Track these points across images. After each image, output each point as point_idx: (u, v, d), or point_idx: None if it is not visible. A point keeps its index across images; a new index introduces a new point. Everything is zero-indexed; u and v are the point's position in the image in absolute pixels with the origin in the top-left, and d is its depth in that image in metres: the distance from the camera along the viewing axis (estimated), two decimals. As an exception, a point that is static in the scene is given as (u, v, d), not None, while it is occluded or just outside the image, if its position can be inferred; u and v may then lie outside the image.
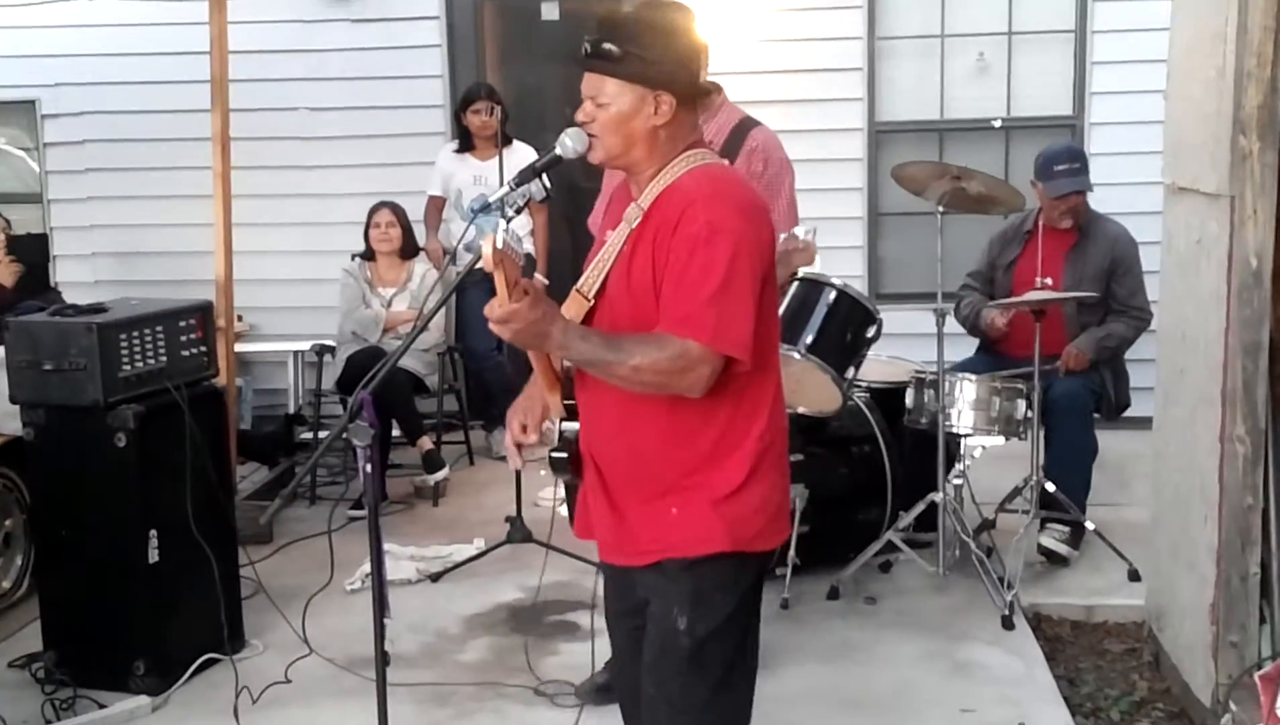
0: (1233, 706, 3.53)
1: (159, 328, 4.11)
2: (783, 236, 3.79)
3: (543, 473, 2.74)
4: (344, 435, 2.50)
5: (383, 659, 2.65)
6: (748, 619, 2.60)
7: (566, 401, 2.61)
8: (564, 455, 2.63)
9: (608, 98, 2.46)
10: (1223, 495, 3.58)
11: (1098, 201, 5.32)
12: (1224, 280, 3.51)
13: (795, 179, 4.05)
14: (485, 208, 2.71)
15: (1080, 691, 4.19)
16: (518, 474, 5.20)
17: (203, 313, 4.31)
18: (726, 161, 2.72)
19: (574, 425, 2.62)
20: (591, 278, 2.55)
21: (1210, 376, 3.63)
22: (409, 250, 6.43)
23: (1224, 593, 3.60)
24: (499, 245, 2.19)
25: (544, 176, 2.51)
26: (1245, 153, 3.39)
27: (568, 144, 2.51)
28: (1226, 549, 3.58)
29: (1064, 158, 5.21)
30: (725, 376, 2.42)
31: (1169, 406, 4.11)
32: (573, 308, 2.54)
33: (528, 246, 3.07)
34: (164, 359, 4.11)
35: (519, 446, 2.69)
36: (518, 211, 2.53)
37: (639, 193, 2.52)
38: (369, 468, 2.54)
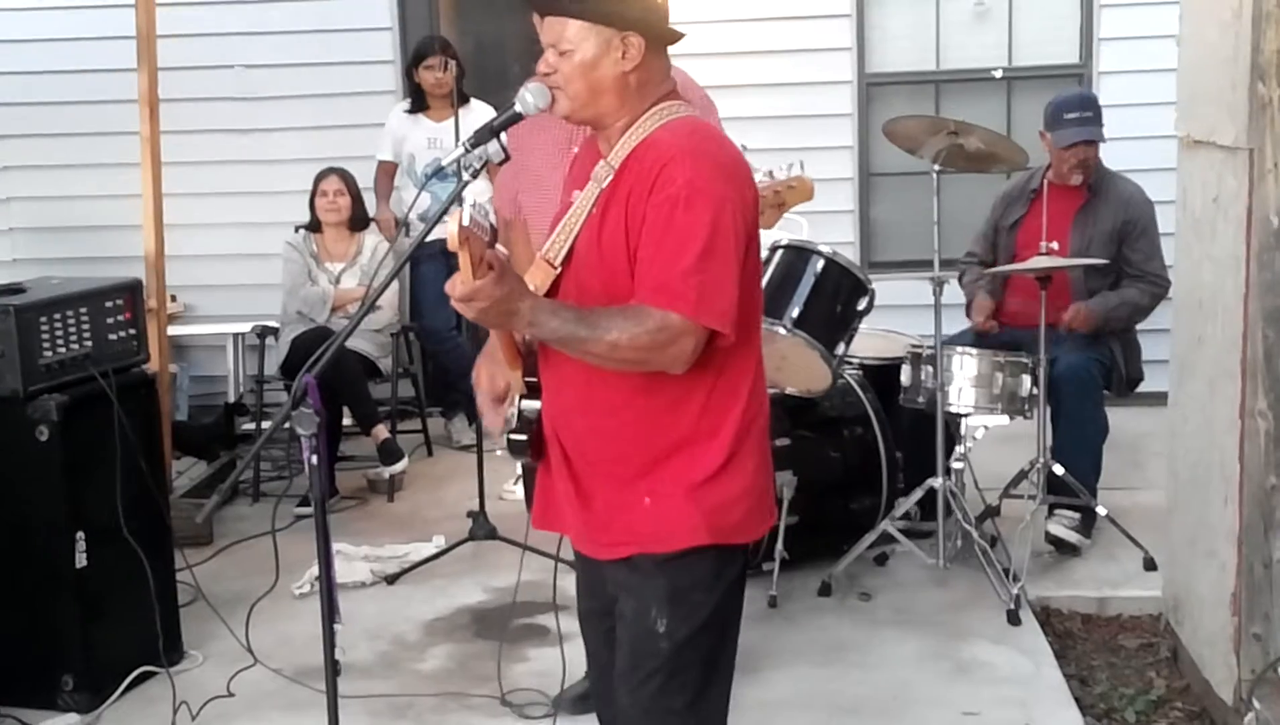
0: (1256, 704, 3.56)
1: (83, 309, 4.08)
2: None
3: (499, 453, 2.73)
4: (287, 424, 2.49)
5: (333, 669, 2.64)
6: (729, 618, 2.61)
7: (529, 378, 2.61)
8: (524, 437, 2.62)
9: (570, 43, 2.45)
10: (1243, 475, 3.60)
11: (1107, 157, 5.33)
12: (1243, 241, 3.52)
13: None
14: (439, 172, 2.70)
15: (1093, 691, 4.22)
16: (480, 465, 5.20)
17: (131, 292, 4.29)
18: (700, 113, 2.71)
19: (534, 404, 2.61)
20: (558, 243, 2.54)
21: (1229, 347, 3.66)
22: (359, 221, 6.41)
23: (1246, 581, 3.64)
24: (465, 222, 2.17)
25: (503, 136, 2.50)
26: (1265, 101, 3.41)
27: (528, 99, 2.50)
28: (1248, 534, 3.61)
29: (1075, 105, 5.24)
30: (705, 351, 2.42)
31: (1185, 380, 4.13)
32: (538, 277, 2.54)
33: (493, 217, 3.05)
34: (89, 344, 4.09)
35: (496, 405, 2.65)
36: (474, 175, 2.51)
37: (609, 149, 2.51)
38: (315, 460, 2.52)
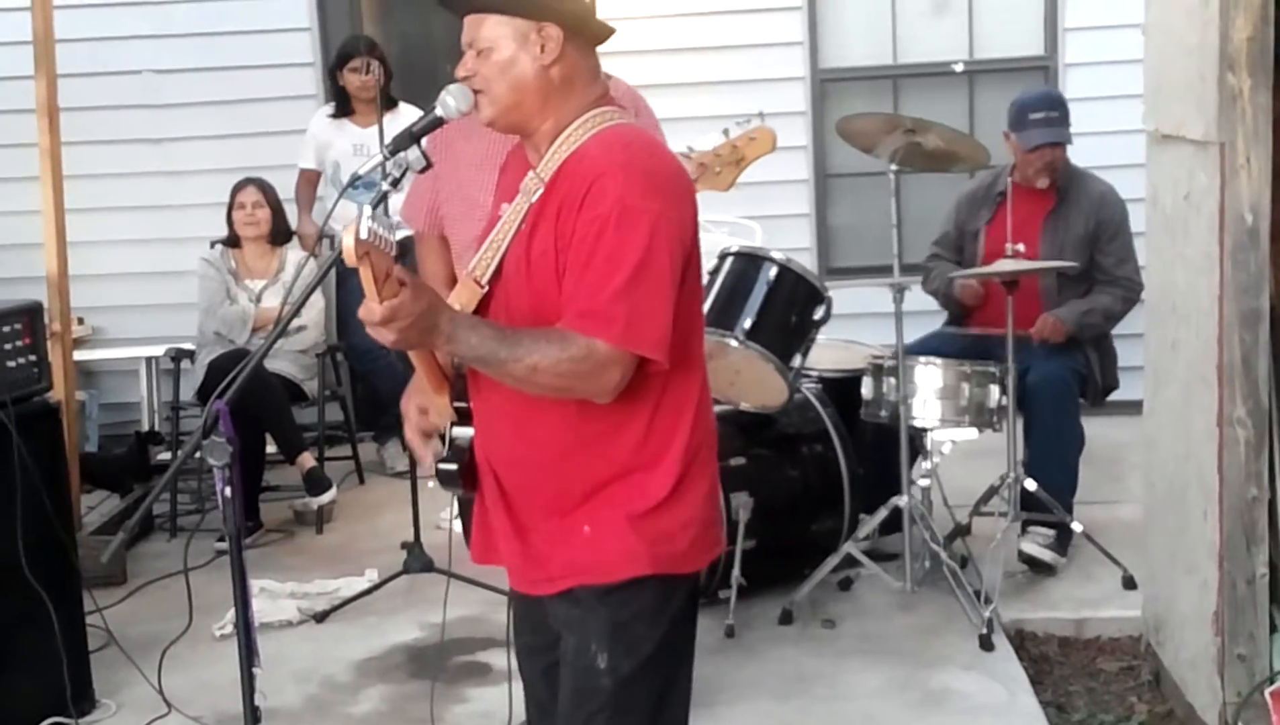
0: (1242, 727, 3.60)
1: (-23, 334, 4.04)
2: (697, 149, 3.77)
3: (430, 484, 2.72)
4: (198, 454, 2.47)
5: (253, 715, 2.62)
6: (678, 651, 2.60)
7: (457, 404, 2.60)
8: (454, 467, 2.61)
9: (486, 41, 2.46)
10: (1223, 487, 3.63)
11: (1076, 154, 5.38)
12: (1216, 240, 3.56)
13: None
14: (356, 181, 2.69)
15: (1071, 719, 4.25)
16: (414, 493, 5.18)
17: (30, 315, 4.24)
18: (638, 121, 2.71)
19: (466, 431, 2.60)
20: (485, 259, 2.54)
21: (1205, 351, 3.69)
22: (280, 235, 6.38)
23: (1228, 598, 3.66)
24: (363, 234, 2.13)
25: (423, 143, 2.49)
26: (1235, 93, 3.45)
27: (449, 103, 2.50)
28: (1229, 548, 3.64)
29: (1041, 105, 5.28)
30: (641, 377, 2.41)
31: (1159, 387, 4.17)
32: (464, 295, 2.53)
33: (403, 231, 3.03)
34: (-15, 371, 4.05)
35: (427, 438, 2.65)
36: (394, 184, 2.51)
37: (538, 159, 2.51)
38: (228, 492, 2.50)
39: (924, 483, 4.83)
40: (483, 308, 2.52)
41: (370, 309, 2.24)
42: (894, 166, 4.69)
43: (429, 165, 2.50)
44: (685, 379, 2.52)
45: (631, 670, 2.51)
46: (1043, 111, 5.24)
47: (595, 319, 2.35)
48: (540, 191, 2.47)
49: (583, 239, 2.37)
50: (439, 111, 2.51)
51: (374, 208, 2.20)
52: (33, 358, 4.21)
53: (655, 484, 2.49)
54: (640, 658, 2.51)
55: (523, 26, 2.44)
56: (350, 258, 2.15)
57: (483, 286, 2.52)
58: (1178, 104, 3.83)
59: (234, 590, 2.56)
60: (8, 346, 4.13)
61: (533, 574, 2.58)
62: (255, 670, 2.62)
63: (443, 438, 2.66)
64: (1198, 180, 3.70)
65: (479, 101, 2.49)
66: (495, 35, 2.45)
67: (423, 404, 2.66)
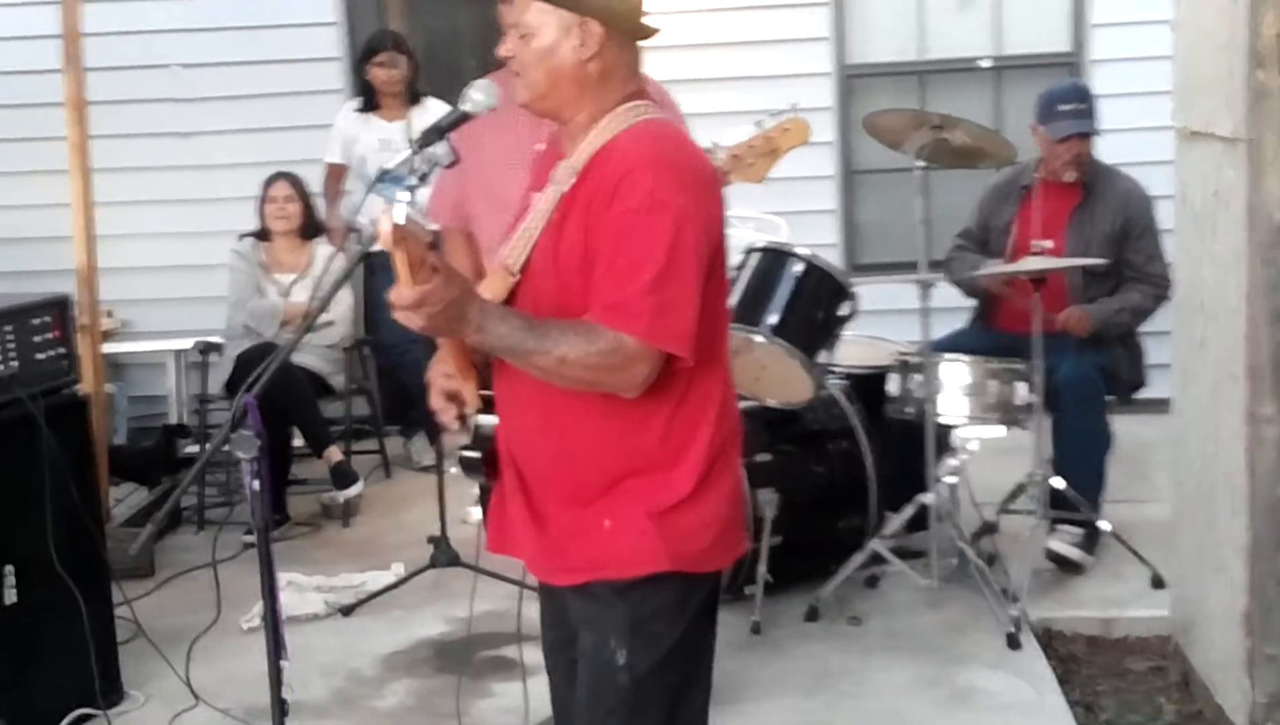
0: (1271, 729, 3.59)
1: (7, 327, 4.05)
2: (724, 144, 3.77)
3: (452, 471, 2.72)
4: (226, 448, 2.49)
5: (280, 709, 2.64)
6: (697, 650, 2.60)
7: (483, 392, 2.60)
8: (477, 454, 2.62)
9: (529, 27, 2.47)
10: (1252, 485, 3.62)
11: (1102, 150, 5.36)
12: (1245, 237, 3.55)
13: None
14: (384, 176, 2.70)
15: (1099, 718, 4.23)
16: (441, 487, 5.20)
17: (59, 308, 4.26)
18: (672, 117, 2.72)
19: (490, 419, 2.61)
20: (517, 249, 2.54)
21: (1233, 349, 3.68)
22: (310, 229, 6.41)
23: (1258, 599, 3.65)
24: (399, 219, 2.15)
25: (450, 138, 2.50)
26: (1264, 89, 3.43)
27: (475, 98, 2.51)
28: (1258, 548, 3.63)
29: (1070, 96, 5.27)
30: (665, 372, 2.42)
31: (1187, 385, 4.15)
32: (495, 285, 2.54)
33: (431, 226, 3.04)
34: (14, 364, 4.06)
35: (453, 410, 2.62)
36: (422, 179, 2.52)
37: (571, 149, 2.52)
38: (256, 485, 2.52)
39: (951, 480, 4.83)
40: (513, 296, 2.52)
41: (401, 293, 2.25)
42: (921, 163, 4.68)
43: (456, 160, 2.50)
44: (709, 375, 2.52)
45: (649, 668, 2.51)
46: (1071, 103, 5.22)
47: (623, 313, 2.35)
48: (572, 180, 2.48)
49: (611, 232, 2.38)
50: (465, 107, 2.52)
51: (412, 194, 2.22)
52: (62, 351, 4.24)
53: (677, 481, 2.49)
54: (658, 655, 2.52)
55: (566, 18, 2.46)
56: (386, 242, 2.17)
57: (514, 275, 2.53)
58: (1207, 100, 3.81)
59: (262, 584, 2.58)
60: (37, 339, 4.15)
61: (550, 563, 2.58)
62: (283, 663, 2.64)
63: (467, 423, 2.66)
64: (1226, 177, 3.68)
65: (515, 83, 2.51)
66: (538, 22, 2.47)
67: (448, 371, 2.65)
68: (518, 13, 2.49)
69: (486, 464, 2.62)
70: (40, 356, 4.16)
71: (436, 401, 2.66)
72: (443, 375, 2.65)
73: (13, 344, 4.06)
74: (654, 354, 2.38)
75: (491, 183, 3.57)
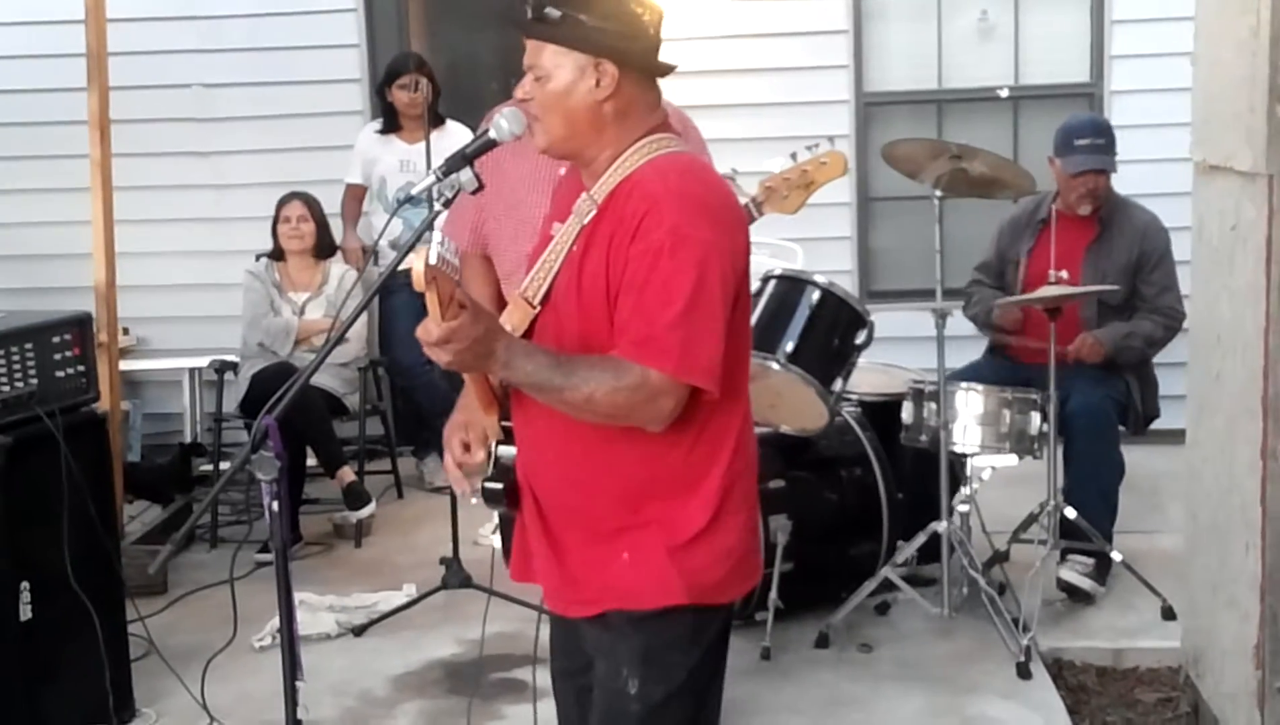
0: (1281, 763, 3.58)
1: (28, 345, 4.07)
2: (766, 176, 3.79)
3: (474, 501, 2.74)
4: (246, 468, 2.50)
5: (295, 728, 2.64)
6: (709, 678, 2.61)
7: (504, 423, 2.62)
8: (499, 485, 2.63)
9: (545, 69, 2.47)
10: (1266, 519, 3.62)
11: (1119, 182, 5.37)
12: (1263, 272, 3.55)
13: None
14: (410, 200, 2.72)
15: (1108, 749, 4.23)
16: (454, 509, 5.20)
17: (80, 327, 4.28)
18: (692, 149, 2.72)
19: (512, 450, 2.63)
20: (537, 280, 2.55)
21: (1250, 383, 3.68)
22: (324, 249, 6.43)
23: (1270, 631, 3.65)
24: (432, 260, 2.16)
25: (475, 164, 2.51)
26: (1284, 125, 3.44)
27: (503, 125, 2.52)
28: (1271, 582, 3.62)
29: (1087, 131, 5.27)
30: (688, 406, 2.42)
31: (1203, 418, 4.15)
32: (515, 316, 2.55)
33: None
34: (34, 382, 4.08)
35: (462, 468, 2.67)
36: (446, 204, 2.53)
37: (592, 182, 2.52)
38: (275, 506, 2.53)
39: (963, 508, 4.83)
40: (533, 328, 2.53)
41: (429, 329, 2.26)
42: (939, 192, 4.69)
43: (481, 186, 2.52)
44: (729, 409, 2.52)
45: (663, 698, 2.52)
46: (1088, 138, 5.22)
47: (650, 348, 2.36)
48: (593, 213, 2.49)
49: (636, 267, 2.39)
50: (492, 134, 2.53)
51: (428, 229, 2.23)
52: (81, 368, 4.25)
53: (694, 513, 2.49)
54: (672, 685, 2.52)
55: (581, 60, 2.46)
56: (419, 283, 2.18)
57: (534, 307, 2.53)
58: (1226, 135, 3.82)
59: (279, 603, 2.59)
60: (57, 357, 4.17)
61: (568, 595, 2.59)
62: (298, 683, 2.64)
63: (489, 455, 2.68)
64: (1245, 212, 3.69)
65: (534, 128, 2.51)
66: (554, 64, 2.47)
67: (465, 438, 2.68)
68: (534, 55, 2.49)
69: (508, 495, 2.63)
70: (60, 374, 4.17)
71: (452, 471, 2.69)
72: (460, 443, 2.67)
73: (33, 361, 4.08)
74: (680, 388, 2.38)
75: (511, 207, 3.58)
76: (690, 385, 2.39)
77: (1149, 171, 6.01)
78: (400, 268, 2.59)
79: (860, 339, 4.61)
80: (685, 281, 2.36)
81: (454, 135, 6.31)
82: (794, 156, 3.84)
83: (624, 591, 2.50)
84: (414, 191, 2.59)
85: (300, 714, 2.65)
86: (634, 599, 2.50)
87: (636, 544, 2.50)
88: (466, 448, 2.68)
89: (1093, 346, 5.12)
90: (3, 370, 4.00)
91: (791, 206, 3.82)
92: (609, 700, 2.55)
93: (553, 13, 2.45)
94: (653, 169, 2.47)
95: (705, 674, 2.59)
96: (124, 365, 6.50)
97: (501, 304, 2.71)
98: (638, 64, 2.51)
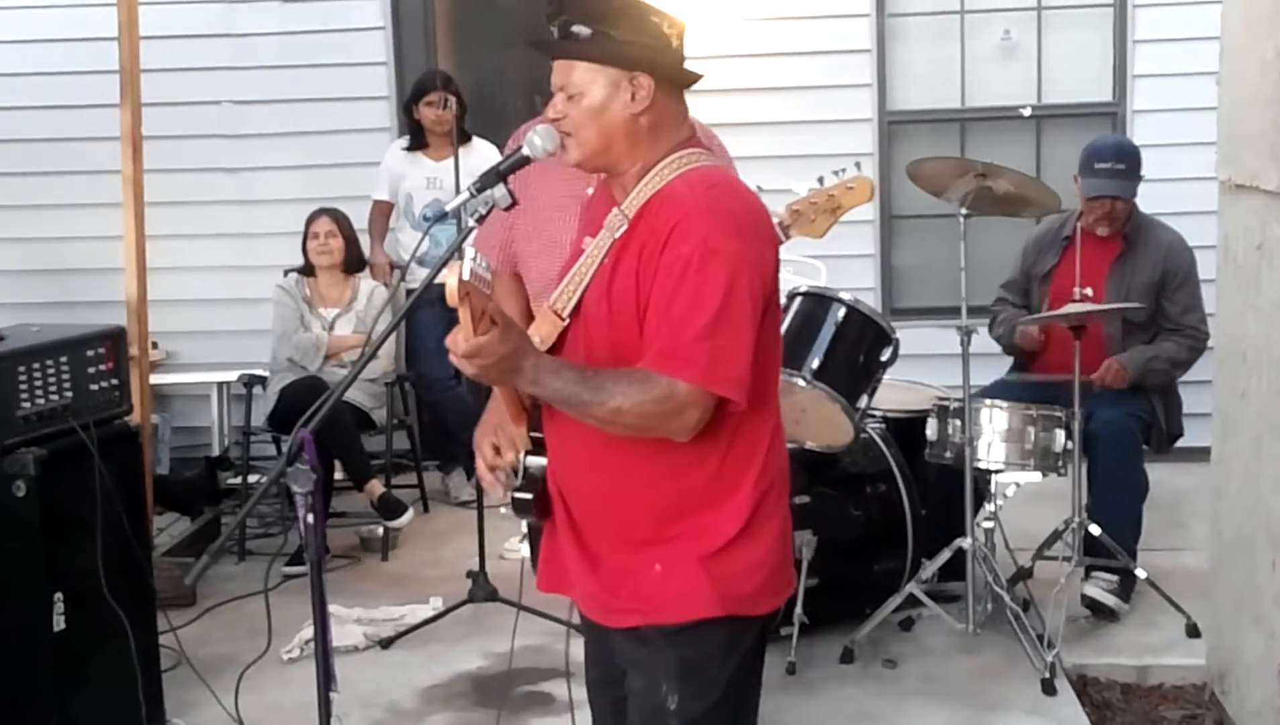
0: (1307, 780, 3.56)
1: (63, 358, 4.10)
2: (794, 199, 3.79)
3: (503, 511, 2.75)
4: (281, 480, 2.51)
5: (329, 739, 2.65)
6: (745, 692, 2.62)
7: (533, 433, 2.63)
8: (529, 496, 2.64)
9: (577, 87, 2.49)
10: (1292, 537, 3.62)
11: (1144, 201, 5.35)
12: (1289, 291, 3.55)
13: None
14: (442, 217, 2.74)
15: (1133, 765, 4.22)
16: (480, 523, 5.21)
17: (114, 340, 4.31)
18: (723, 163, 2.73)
19: (540, 461, 2.63)
20: (567, 293, 2.56)
21: (1275, 400, 3.68)
22: (353, 264, 6.46)
23: (1295, 649, 3.64)
24: (465, 276, 2.18)
25: (509, 181, 2.53)
26: (1310, 145, 3.45)
27: (536, 143, 2.54)
28: (1297, 599, 3.62)
29: (1108, 155, 5.23)
30: (718, 416, 2.43)
31: (1228, 436, 4.14)
32: (545, 328, 2.56)
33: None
34: (69, 394, 4.11)
35: (495, 472, 2.68)
36: (479, 221, 2.54)
37: (623, 196, 2.53)
38: (310, 518, 2.54)
39: (987, 525, 4.82)
40: (562, 340, 2.55)
41: (457, 342, 2.28)
42: (964, 210, 4.69)
43: (514, 203, 2.53)
44: (759, 419, 2.53)
45: (701, 712, 2.52)
46: (1109, 162, 5.18)
47: (677, 359, 2.37)
48: (624, 227, 2.50)
49: (665, 279, 2.40)
50: (526, 151, 2.54)
51: (460, 245, 2.25)
52: (115, 382, 4.28)
53: (726, 522, 2.50)
54: (710, 700, 2.53)
55: (614, 75, 2.48)
56: (452, 298, 2.20)
57: (564, 319, 2.55)
58: (1251, 155, 3.82)
59: (314, 614, 2.59)
60: (91, 370, 4.19)
61: (602, 603, 2.59)
62: (332, 694, 2.65)
63: (515, 468, 2.69)
64: (1271, 231, 3.69)
65: (566, 143, 2.52)
66: (586, 81, 2.48)
67: (496, 442, 2.69)
68: (564, 75, 2.50)
69: (537, 505, 2.64)
70: (94, 387, 4.20)
71: (484, 474, 2.70)
72: (490, 447, 2.68)
73: (67, 374, 4.11)
74: (707, 399, 2.39)
75: (540, 224, 3.59)
76: (717, 396, 2.40)
77: (1171, 191, 5.99)
78: (433, 282, 2.62)
79: (885, 356, 4.62)
80: (713, 293, 2.37)
81: (480, 153, 6.34)
82: (821, 181, 3.84)
83: (658, 604, 2.51)
84: (448, 208, 2.61)
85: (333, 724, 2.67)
86: (668, 613, 2.50)
87: (668, 556, 2.50)
88: (497, 450, 2.69)
89: (1118, 372, 5.10)
90: (38, 383, 4.02)
91: (818, 231, 3.82)
92: (647, 715, 2.55)
93: (582, 31, 2.47)
94: (684, 182, 2.48)
95: (742, 686, 2.59)
96: (153, 379, 6.52)
97: (532, 321, 2.72)
98: (668, 75, 2.52)
